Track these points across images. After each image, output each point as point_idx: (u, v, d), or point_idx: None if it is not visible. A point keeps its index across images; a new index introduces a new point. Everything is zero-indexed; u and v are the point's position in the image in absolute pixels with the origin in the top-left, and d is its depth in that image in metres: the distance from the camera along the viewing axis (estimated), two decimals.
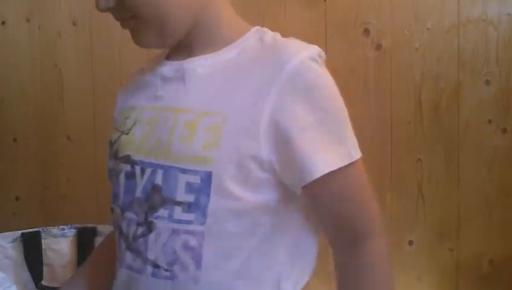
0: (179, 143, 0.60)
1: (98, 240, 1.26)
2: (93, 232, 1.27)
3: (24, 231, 1.24)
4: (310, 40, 0.64)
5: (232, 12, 0.70)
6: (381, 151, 1.43)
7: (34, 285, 1.23)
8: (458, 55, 1.39)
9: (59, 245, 1.27)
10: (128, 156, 0.65)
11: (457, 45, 1.39)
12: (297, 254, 0.68)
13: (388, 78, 1.42)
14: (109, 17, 0.66)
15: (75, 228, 1.28)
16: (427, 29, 1.40)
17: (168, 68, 0.68)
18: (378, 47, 1.41)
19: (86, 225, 1.29)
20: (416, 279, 1.41)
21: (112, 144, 0.70)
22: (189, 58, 0.67)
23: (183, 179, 0.60)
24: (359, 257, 0.63)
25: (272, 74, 0.59)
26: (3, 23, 1.61)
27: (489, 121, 1.39)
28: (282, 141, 0.59)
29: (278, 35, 0.67)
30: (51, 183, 1.60)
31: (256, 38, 0.66)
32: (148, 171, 0.62)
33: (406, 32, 1.41)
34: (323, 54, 0.65)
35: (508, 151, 1.39)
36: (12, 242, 1.22)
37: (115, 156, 0.69)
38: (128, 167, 0.65)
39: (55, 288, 1.22)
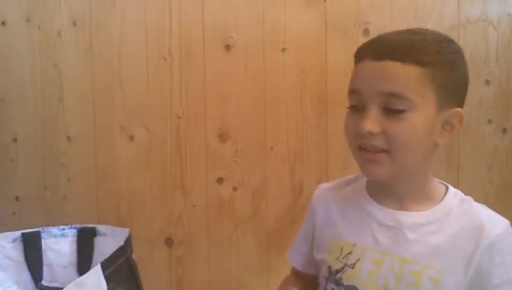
0: (407, 289, 0.73)
1: (98, 240, 1.26)
2: (93, 232, 1.27)
3: (24, 231, 1.24)
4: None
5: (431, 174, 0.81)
6: None
7: (34, 285, 1.23)
8: None
9: (59, 245, 1.27)
10: (354, 286, 0.78)
11: None
12: None
13: None
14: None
15: (75, 228, 1.28)
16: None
17: (383, 215, 0.79)
18: None
19: (86, 225, 1.29)
20: None
21: (333, 271, 0.82)
22: (403, 212, 0.78)
23: None
24: None
25: (476, 241, 0.73)
26: (3, 23, 1.61)
27: (489, 121, 1.39)
28: None
29: (470, 201, 0.80)
30: (51, 183, 1.60)
31: (456, 203, 0.79)
32: None
33: None
34: None
35: (508, 151, 1.39)
36: (13, 242, 1.22)
37: (336, 282, 0.81)
38: None
39: (55, 288, 1.22)
